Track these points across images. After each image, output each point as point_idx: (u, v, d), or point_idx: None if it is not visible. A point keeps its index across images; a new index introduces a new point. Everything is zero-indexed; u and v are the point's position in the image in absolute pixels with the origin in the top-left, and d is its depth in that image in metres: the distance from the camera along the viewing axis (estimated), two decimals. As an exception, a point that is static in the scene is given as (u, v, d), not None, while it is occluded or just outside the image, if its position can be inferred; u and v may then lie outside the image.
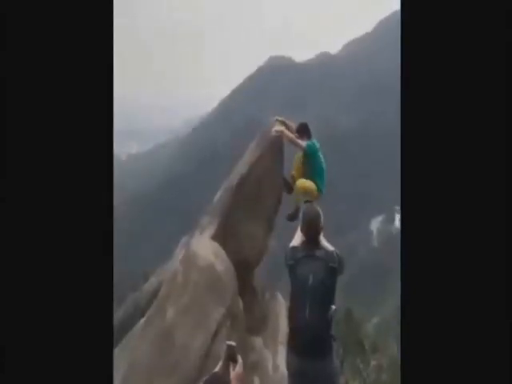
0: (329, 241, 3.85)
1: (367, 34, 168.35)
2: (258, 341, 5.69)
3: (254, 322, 6.00)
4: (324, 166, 6.34)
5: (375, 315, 43.97)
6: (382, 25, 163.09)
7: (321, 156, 6.30)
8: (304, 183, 6.18)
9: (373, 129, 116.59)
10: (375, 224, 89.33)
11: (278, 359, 5.47)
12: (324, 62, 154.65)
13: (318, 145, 6.28)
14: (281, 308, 6.43)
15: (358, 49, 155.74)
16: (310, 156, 6.22)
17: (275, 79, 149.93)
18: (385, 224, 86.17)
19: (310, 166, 6.28)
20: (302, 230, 3.80)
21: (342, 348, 12.78)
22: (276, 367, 5.43)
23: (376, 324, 37.27)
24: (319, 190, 6.24)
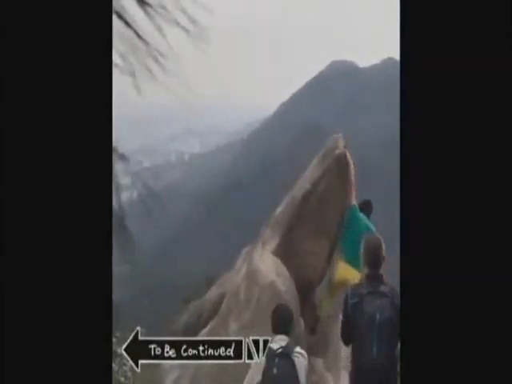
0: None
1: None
2: (318, 362, 5.64)
3: (315, 341, 5.96)
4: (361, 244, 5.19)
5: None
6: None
7: (362, 230, 5.38)
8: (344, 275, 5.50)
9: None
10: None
11: (339, 384, 5.40)
12: (389, 67, 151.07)
13: (372, 226, 5.68)
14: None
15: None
16: (351, 219, 5.85)
17: (337, 84, 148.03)
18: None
19: (350, 230, 5.77)
20: (364, 263, 3.66)
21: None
22: (337, 392, 5.36)
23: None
24: (357, 266, 5.13)
